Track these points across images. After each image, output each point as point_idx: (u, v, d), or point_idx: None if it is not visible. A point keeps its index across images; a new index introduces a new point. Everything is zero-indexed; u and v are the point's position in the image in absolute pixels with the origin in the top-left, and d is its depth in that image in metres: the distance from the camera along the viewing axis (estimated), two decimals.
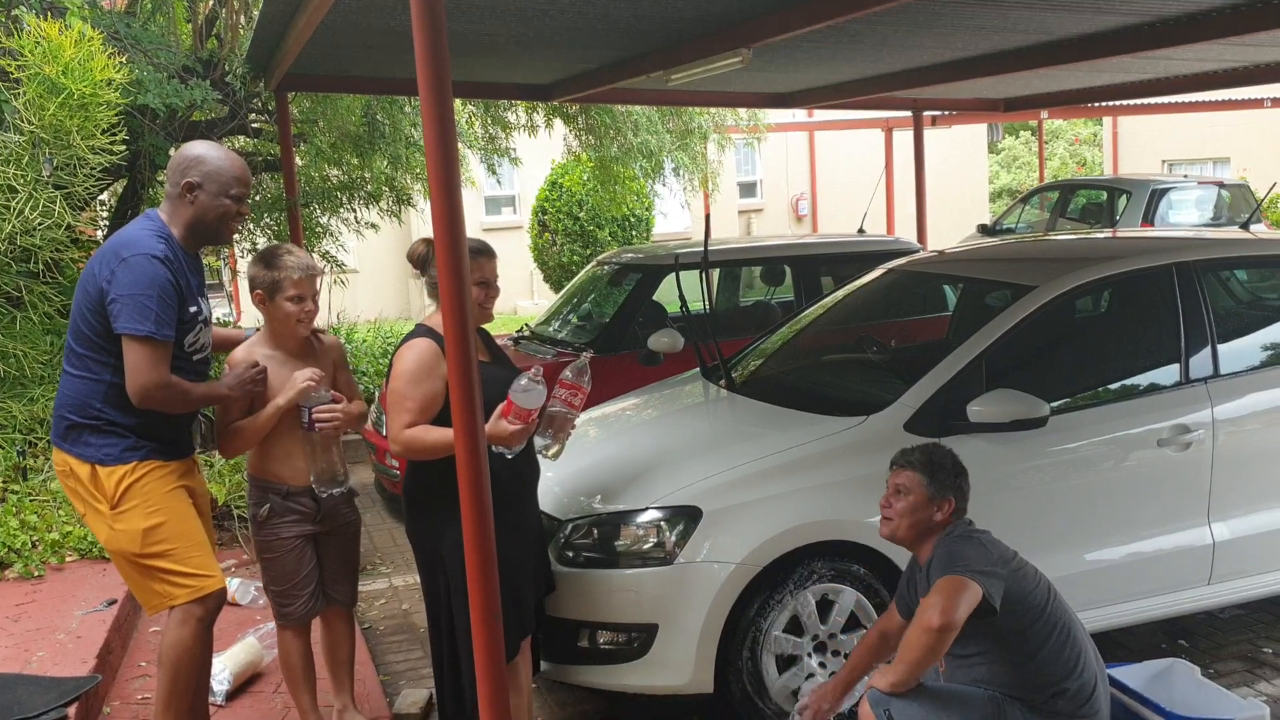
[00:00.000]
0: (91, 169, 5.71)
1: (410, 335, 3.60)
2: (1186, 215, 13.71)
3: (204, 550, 3.46)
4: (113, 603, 4.65)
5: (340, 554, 3.89)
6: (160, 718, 3.49)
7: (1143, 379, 4.56)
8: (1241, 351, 4.64)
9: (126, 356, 3.22)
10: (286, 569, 3.74)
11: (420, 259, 3.55)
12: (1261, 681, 4.36)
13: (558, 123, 10.07)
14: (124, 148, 5.88)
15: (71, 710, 3.68)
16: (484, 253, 3.55)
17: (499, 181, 16.36)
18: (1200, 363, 4.46)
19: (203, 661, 3.54)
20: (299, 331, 3.68)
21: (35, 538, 5.18)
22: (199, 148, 3.46)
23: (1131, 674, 3.51)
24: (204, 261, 3.63)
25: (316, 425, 3.55)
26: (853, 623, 3.99)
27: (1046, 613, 3.22)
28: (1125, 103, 15.17)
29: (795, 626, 3.94)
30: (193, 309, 3.39)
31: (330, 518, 3.80)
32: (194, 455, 3.62)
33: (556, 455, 3.65)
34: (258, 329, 3.79)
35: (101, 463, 3.33)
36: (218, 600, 3.47)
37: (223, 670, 4.23)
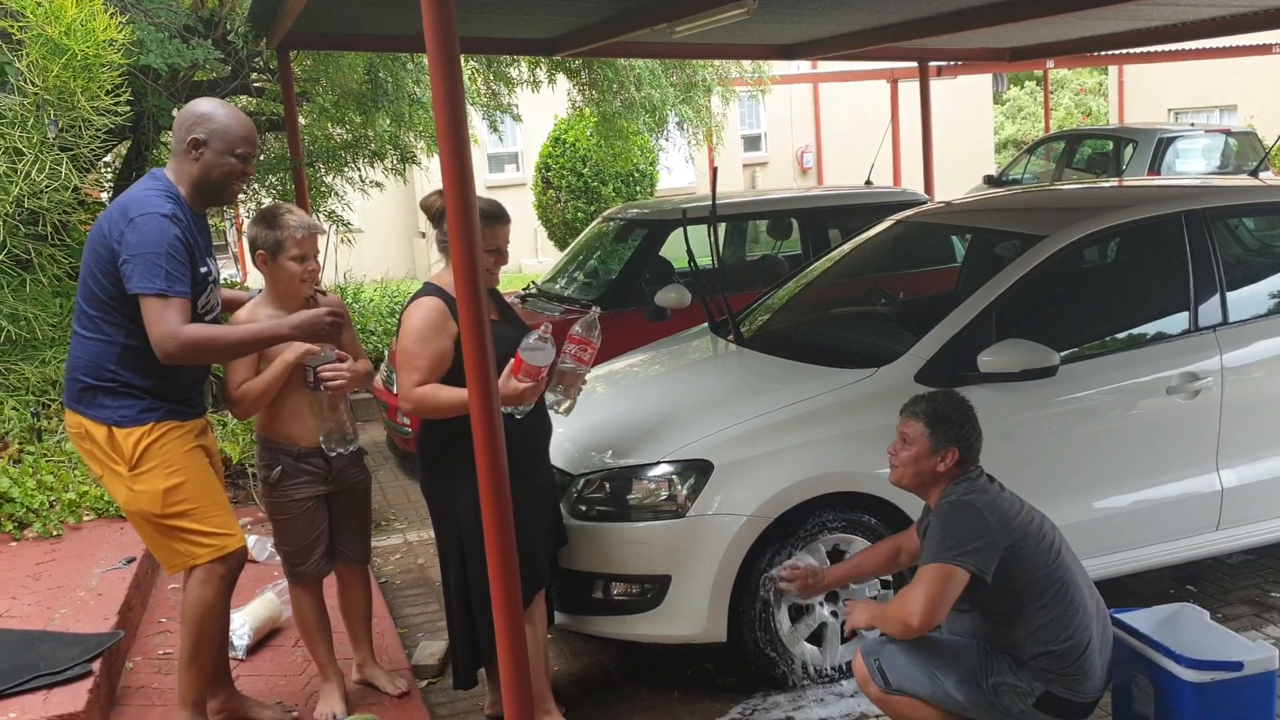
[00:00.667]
0: (96, 130, 5.71)
1: (419, 293, 3.61)
2: (1193, 164, 13.64)
3: (224, 509, 3.48)
4: (131, 560, 4.70)
5: (352, 513, 3.92)
6: (185, 675, 3.53)
7: (1151, 327, 4.57)
8: (1250, 299, 4.64)
9: (144, 316, 3.20)
10: (299, 530, 3.78)
11: (436, 212, 3.55)
12: (1270, 625, 4.40)
13: (560, 78, 10.00)
14: (128, 109, 5.86)
15: (96, 665, 3.73)
16: (498, 218, 3.53)
17: (501, 139, 16.28)
18: (1209, 310, 4.47)
19: (225, 619, 3.58)
20: (303, 291, 3.67)
21: (52, 498, 5.23)
22: (205, 105, 3.43)
23: (1141, 619, 3.55)
24: (209, 222, 3.60)
25: (323, 384, 3.56)
26: None
27: (1044, 574, 3.19)
28: (1131, 51, 15.04)
29: None
30: (203, 269, 3.38)
31: (341, 477, 3.82)
32: (207, 415, 3.64)
33: (568, 411, 3.67)
34: (262, 290, 3.79)
35: (118, 424, 3.32)
36: (239, 559, 3.50)
37: (243, 625, 4.29)
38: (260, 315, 3.65)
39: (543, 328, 3.37)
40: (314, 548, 3.81)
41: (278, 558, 5.21)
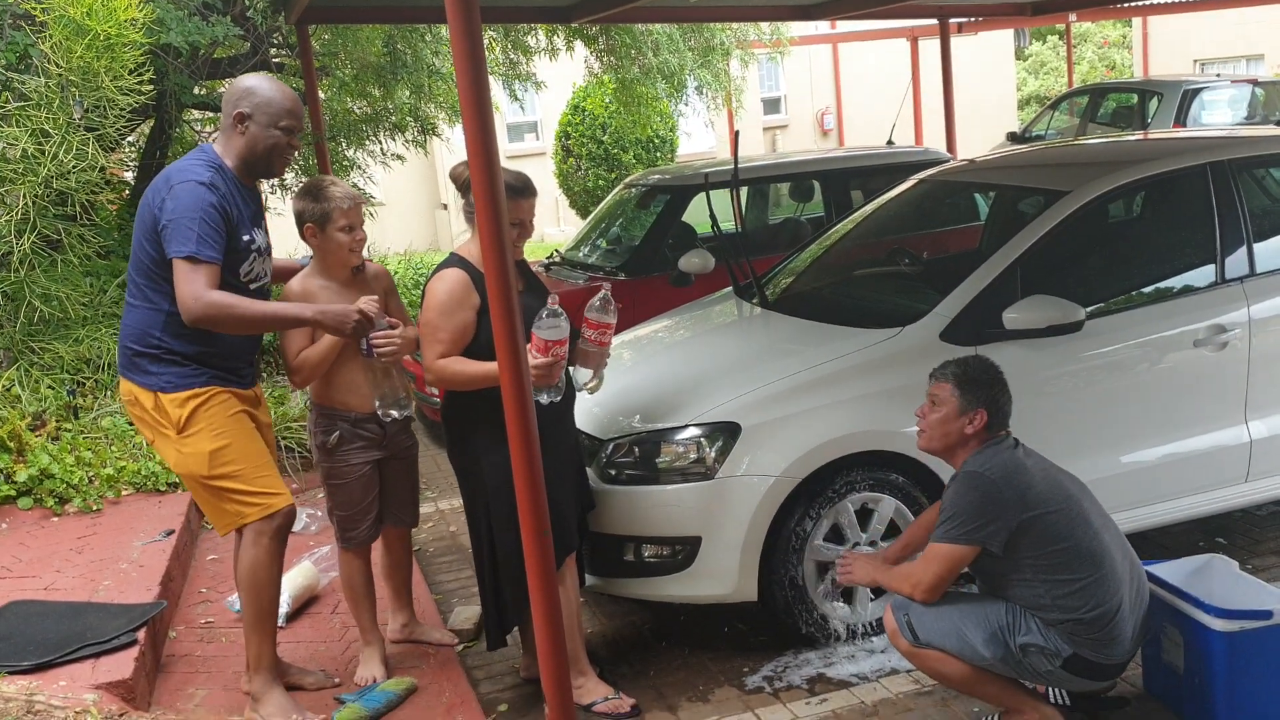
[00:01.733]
0: (120, 110, 5.76)
1: (442, 265, 3.64)
2: (1220, 115, 13.45)
3: (270, 469, 3.56)
4: (170, 533, 4.79)
5: (403, 478, 4.03)
6: (252, 640, 3.60)
7: (1178, 280, 4.55)
8: (1277, 250, 4.60)
9: (174, 279, 3.27)
10: (354, 495, 3.87)
11: (464, 182, 3.57)
12: None
13: (578, 45, 9.98)
14: (150, 87, 5.90)
15: (140, 634, 3.82)
16: (523, 192, 3.54)
17: (521, 107, 16.23)
18: (1236, 262, 4.44)
19: (279, 580, 3.64)
20: (351, 260, 3.77)
21: (91, 473, 5.32)
22: (251, 79, 3.51)
23: (1171, 570, 3.56)
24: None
25: (375, 352, 3.61)
26: (893, 530, 4.05)
27: (1070, 545, 3.17)
28: (1154, 1, 14.83)
29: (836, 535, 4.01)
30: (245, 238, 3.44)
31: (392, 443, 3.92)
32: (259, 389, 3.71)
33: (595, 389, 3.70)
34: (310, 258, 3.86)
35: (164, 390, 3.41)
36: (286, 517, 3.56)
37: (282, 594, 4.36)
38: (311, 285, 3.75)
39: (550, 299, 3.39)
40: (367, 513, 3.92)
41: (313, 528, 5.34)
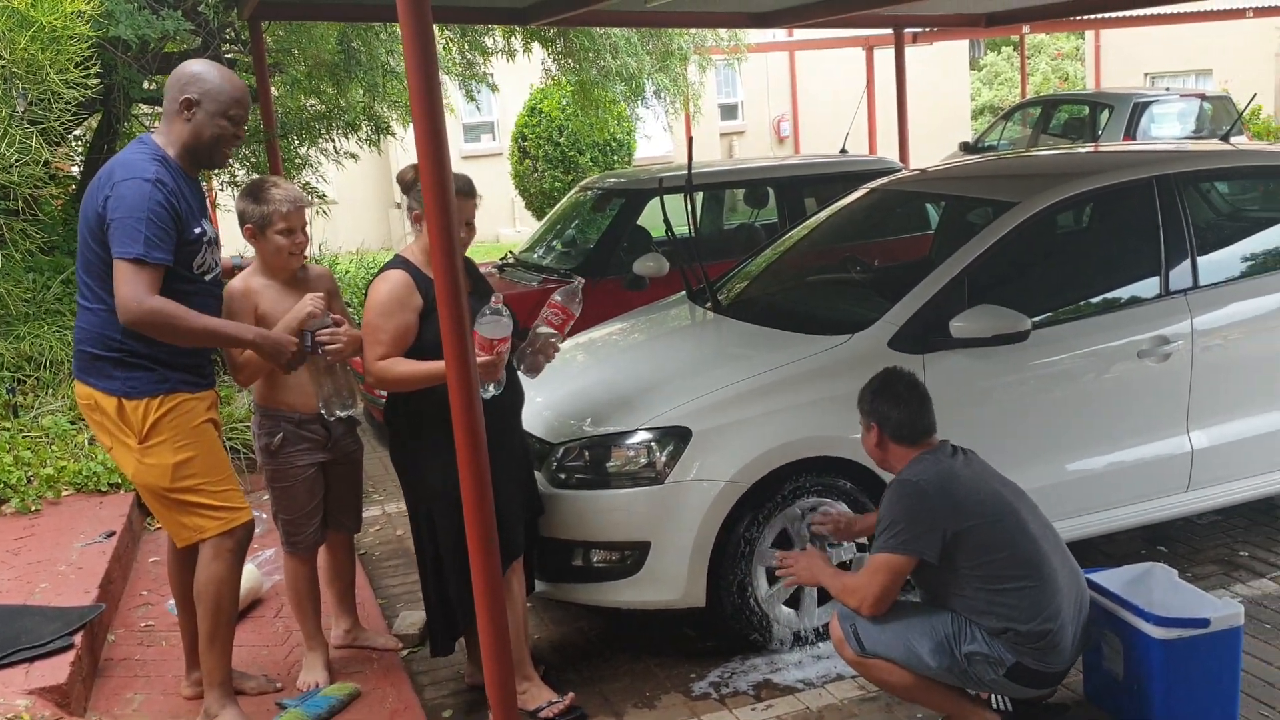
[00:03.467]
0: (66, 103, 5.65)
1: (386, 266, 3.63)
2: (1169, 128, 13.70)
3: (233, 482, 3.48)
4: (111, 534, 4.71)
5: (347, 482, 3.98)
6: (209, 655, 3.51)
7: (1123, 292, 4.62)
8: (1220, 263, 4.69)
9: (115, 278, 3.17)
10: (298, 498, 3.82)
11: (408, 183, 3.55)
12: (1237, 584, 4.48)
13: (536, 47, 9.94)
14: (98, 81, 5.80)
15: (77, 638, 3.75)
16: (465, 193, 3.51)
17: (478, 108, 16.19)
18: (1180, 275, 4.51)
19: (238, 593, 3.57)
20: (290, 264, 3.72)
21: (30, 473, 5.21)
22: (198, 65, 3.40)
23: (1111, 578, 3.60)
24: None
25: (320, 348, 3.57)
26: None
27: (1007, 555, 3.19)
28: (1107, 15, 15.06)
29: (785, 540, 4.02)
30: (197, 230, 3.35)
31: (338, 446, 3.87)
32: (216, 387, 3.62)
33: (534, 374, 3.73)
34: (241, 257, 3.82)
35: (128, 395, 3.29)
36: (247, 531, 3.49)
37: None
38: (254, 285, 3.70)
39: (494, 298, 3.38)
40: (312, 517, 3.87)
41: (257, 530, 5.25)
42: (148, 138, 3.39)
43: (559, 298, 3.62)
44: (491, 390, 3.41)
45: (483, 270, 3.97)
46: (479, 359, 3.29)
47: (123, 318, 3.19)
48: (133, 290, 3.15)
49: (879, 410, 3.38)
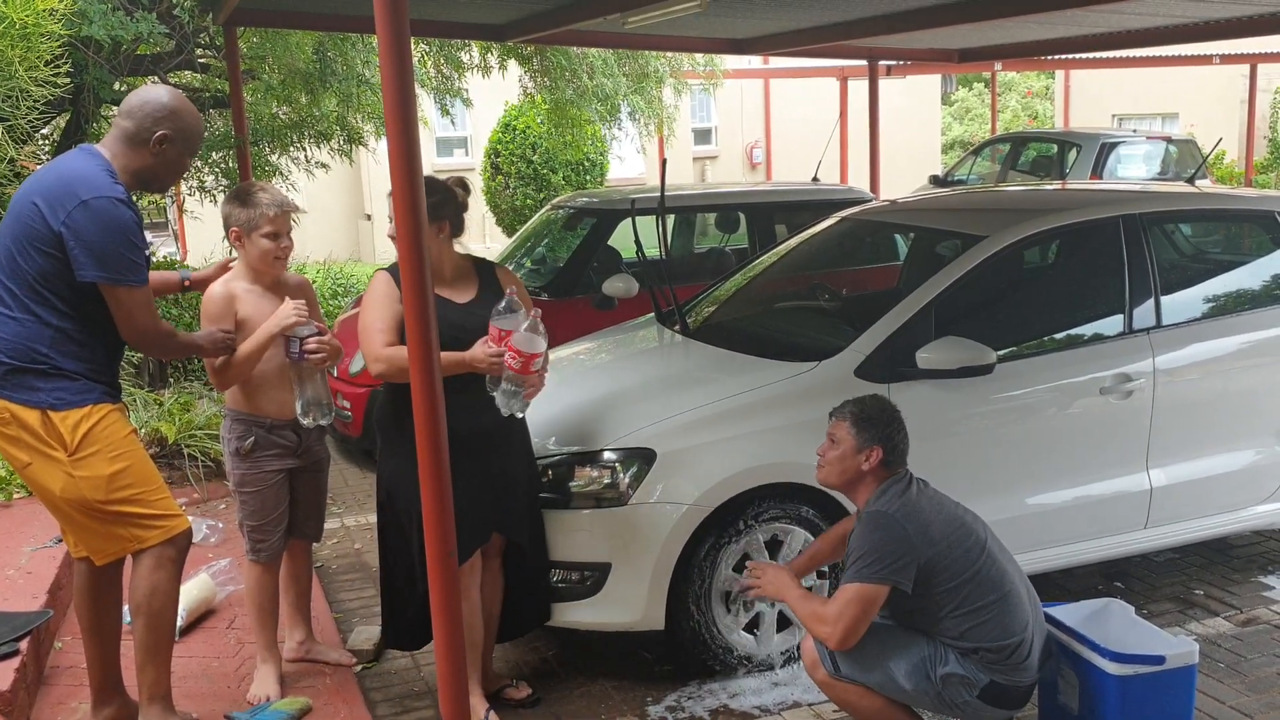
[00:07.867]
0: (34, 102, 5.58)
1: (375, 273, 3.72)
2: (1135, 169, 13.90)
3: (166, 491, 3.41)
4: (61, 539, 4.62)
5: (312, 489, 3.99)
6: (148, 669, 3.40)
7: (1088, 328, 4.66)
8: (1183, 303, 4.74)
9: (120, 305, 3.18)
10: (266, 504, 3.81)
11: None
12: (1192, 621, 4.52)
13: (512, 64, 9.96)
14: (68, 80, 5.74)
15: (23, 645, 3.67)
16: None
17: (452, 122, 16.18)
18: (1143, 313, 4.56)
19: (176, 605, 3.48)
20: (275, 268, 3.76)
21: None
22: (168, 98, 3.32)
23: (1069, 613, 3.62)
24: (149, 200, 3.69)
25: (306, 355, 3.57)
26: None
27: (970, 576, 3.23)
28: (1077, 56, 15.28)
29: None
30: (147, 251, 3.36)
31: (307, 453, 3.87)
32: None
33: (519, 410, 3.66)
34: (191, 270, 3.84)
35: (54, 408, 3.18)
36: (187, 539, 3.42)
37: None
38: (235, 289, 3.73)
39: (509, 290, 3.50)
40: (279, 523, 3.86)
41: (213, 539, 5.19)
42: (95, 150, 3.27)
43: (517, 342, 3.38)
44: (518, 410, 3.45)
45: None
46: (490, 350, 3.38)
47: (133, 340, 3.30)
48: (146, 315, 3.25)
49: (890, 437, 3.35)
